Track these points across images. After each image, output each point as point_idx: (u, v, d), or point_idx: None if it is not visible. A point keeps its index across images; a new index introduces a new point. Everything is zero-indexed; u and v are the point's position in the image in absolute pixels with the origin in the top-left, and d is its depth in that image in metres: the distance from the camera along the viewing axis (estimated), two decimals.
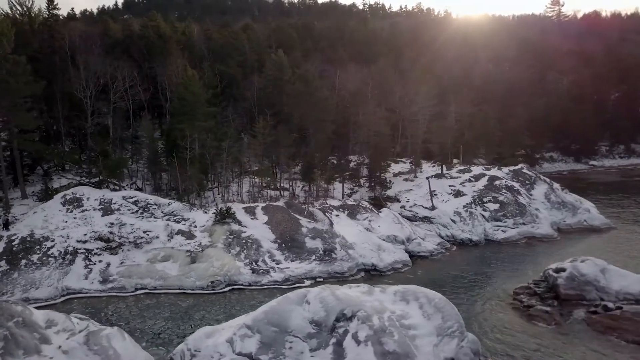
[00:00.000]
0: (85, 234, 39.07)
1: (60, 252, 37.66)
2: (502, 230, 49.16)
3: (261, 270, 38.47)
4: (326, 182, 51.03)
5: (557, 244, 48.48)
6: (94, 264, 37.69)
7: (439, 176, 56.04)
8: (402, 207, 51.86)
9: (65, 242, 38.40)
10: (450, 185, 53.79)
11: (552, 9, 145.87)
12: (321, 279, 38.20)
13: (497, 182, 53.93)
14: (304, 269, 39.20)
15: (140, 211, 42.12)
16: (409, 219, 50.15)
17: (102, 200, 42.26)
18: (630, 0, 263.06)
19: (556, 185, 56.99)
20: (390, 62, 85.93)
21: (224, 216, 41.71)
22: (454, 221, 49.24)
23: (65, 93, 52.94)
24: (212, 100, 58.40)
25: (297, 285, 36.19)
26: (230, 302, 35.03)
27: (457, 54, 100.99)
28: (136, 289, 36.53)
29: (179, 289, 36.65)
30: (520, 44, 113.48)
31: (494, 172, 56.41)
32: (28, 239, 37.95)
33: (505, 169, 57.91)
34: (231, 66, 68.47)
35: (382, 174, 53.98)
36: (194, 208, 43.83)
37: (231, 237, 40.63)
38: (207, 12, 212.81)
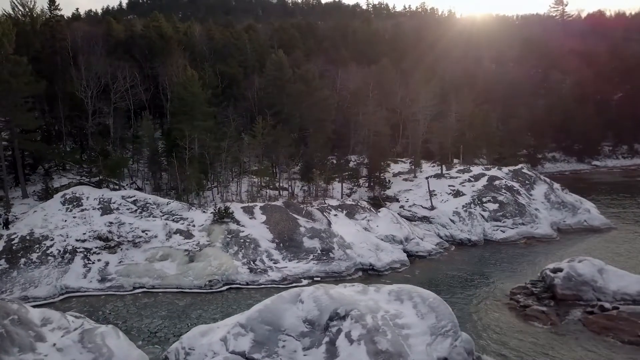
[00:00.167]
0: (85, 233, 39.31)
1: (60, 251, 37.94)
2: (501, 231, 49.10)
3: (259, 270, 38.62)
4: (325, 182, 51.11)
5: (556, 244, 48.37)
6: (93, 263, 37.93)
7: (438, 176, 56.03)
8: (401, 207, 51.90)
9: (65, 241, 38.67)
10: (449, 185, 53.78)
11: (555, 9, 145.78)
12: (319, 279, 38.24)
13: (496, 182, 53.87)
14: (301, 268, 39.32)
15: (139, 210, 42.36)
16: (408, 218, 50.19)
17: (101, 199, 42.53)
18: (635, 0, 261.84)
19: (556, 186, 56.87)
20: (393, 62, 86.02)
21: (223, 216, 41.89)
22: (453, 221, 49.22)
23: (66, 93, 53.31)
24: (212, 100, 58.70)
25: (294, 284, 36.14)
26: (228, 301, 35.18)
27: (460, 54, 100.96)
28: (134, 288, 36.73)
29: (177, 288, 36.84)
30: (524, 44, 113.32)
31: (494, 172, 56.34)
32: (28, 238, 38.27)
33: (505, 169, 57.82)
34: (232, 66, 68.71)
35: (381, 174, 53.99)
36: (192, 207, 44.05)
37: (229, 236, 40.80)
38: (211, 13, 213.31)
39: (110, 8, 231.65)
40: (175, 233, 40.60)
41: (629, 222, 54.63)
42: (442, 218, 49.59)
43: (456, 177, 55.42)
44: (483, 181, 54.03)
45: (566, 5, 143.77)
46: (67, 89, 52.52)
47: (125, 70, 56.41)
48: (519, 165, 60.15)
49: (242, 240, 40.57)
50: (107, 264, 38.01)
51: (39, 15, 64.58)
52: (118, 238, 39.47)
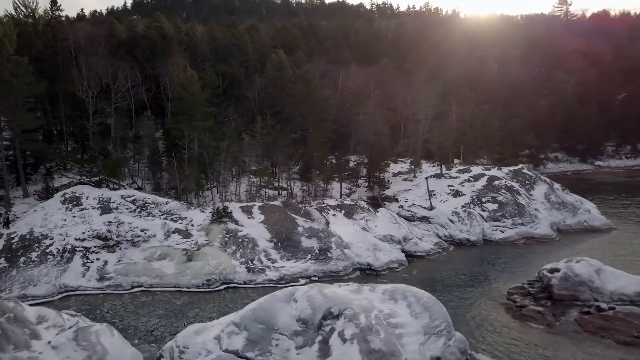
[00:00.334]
0: (84, 232, 39.58)
1: (59, 250, 38.22)
2: (501, 231, 49.07)
3: (256, 269, 38.77)
4: (324, 181, 51.20)
5: (556, 244, 48.31)
6: (92, 262, 38.18)
7: (438, 176, 56.01)
8: (401, 206, 51.93)
9: (64, 240, 38.95)
10: (449, 185, 53.76)
11: (559, 9, 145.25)
12: (316, 278, 38.35)
13: (496, 182, 53.80)
14: (299, 268, 39.45)
15: (138, 210, 42.60)
16: (407, 218, 50.24)
17: (101, 199, 42.80)
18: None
19: (556, 186, 56.74)
20: (395, 62, 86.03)
21: (221, 215, 42.08)
22: (452, 221, 49.22)
23: (68, 93, 53.64)
24: (213, 100, 58.95)
25: (291, 284, 36.20)
26: (225, 300, 35.34)
27: (463, 54, 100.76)
28: (133, 287, 36.99)
29: (175, 287, 37.06)
30: (527, 44, 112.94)
31: (494, 172, 56.28)
32: (27, 237, 38.58)
33: (505, 169, 57.75)
34: (234, 66, 68.94)
35: (381, 174, 54.02)
36: (191, 207, 44.25)
37: (227, 236, 40.99)
38: (214, 13, 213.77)
39: (115, 8, 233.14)
40: (173, 232, 40.81)
41: (630, 223, 54.51)
42: (441, 218, 49.59)
43: (456, 177, 55.39)
44: (483, 181, 53.98)
45: (570, 5, 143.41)
46: (68, 89, 52.86)
47: (126, 70, 56.78)
48: (519, 166, 60.07)
49: (240, 240, 40.74)
50: (105, 263, 38.26)
51: (41, 16, 64.95)
52: (117, 237, 39.71)
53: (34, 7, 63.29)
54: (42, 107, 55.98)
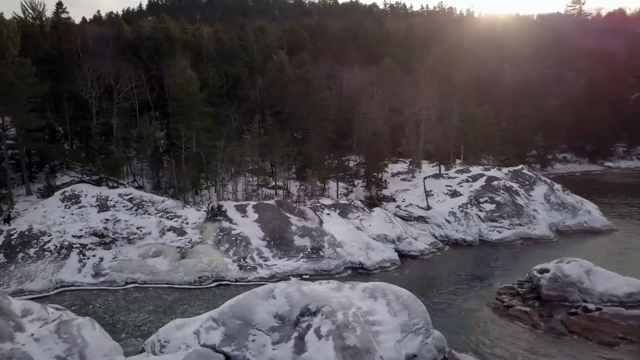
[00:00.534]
0: (81, 230, 40.48)
1: (56, 246, 39.18)
2: (498, 231, 48.87)
3: (248, 267, 39.31)
4: (321, 181, 51.58)
5: (553, 245, 47.95)
6: (88, 258, 39.04)
7: (436, 176, 55.99)
8: (398, 206, 52.06)
9: (62, 237, 39.89)
10: (447, 186, 53.72)
11: (573, 7, 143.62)
12: (307, 276, 38.63)
13: (495, 183, 53.60)
14: (291, 266, 39.86)
15: (135, 208, 43.45)
16: (404, 218, 50.35)
17: (99, 197, 43.73)
18: None
19: (557, 186, 56.30)
20: (403, 63, 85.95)
21: (216, 214, 42.71)
22: (448, 221, 49.21)
23: (72, 93, 54.81)
24: (215, 100, 59.73)
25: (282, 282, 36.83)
26: (215, 297, 35.85)
27: (473, 54, 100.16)
28: (127, 283, 37.72)
29: (168, 283, 37.72)
30: (539, 44, 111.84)
31: (493, 172, 56.07)
32: (26, 233, 39.62)
33: (505, 170, 57.52)
34: (238, 67, 69.65)
35: (379, 174, 54.18)
36: (187, 205, 44.99)
37: (221, 234, 41.60)
38: (228, 14, 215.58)
39: (130, 10, 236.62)
40: (168, 230, 41.55)
41: (632, 224, 53.87)
42: (438, 218, 49.61)
43: (454, 178, 55.31)
44: (481, 181, 53.81)
45: (583, 4, 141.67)
46: (72, 89, 54.02)
47: (130, 71, 57.78)
48: (520, 166, 59.73)
49: (233, 238, 41.32)
50: (101, 259, 39.10)
51: (48, 18, 66.45)
52: (113, 234, 40.56)
53: (41, 10, 64.92)
54: (49, 107, 57.35)
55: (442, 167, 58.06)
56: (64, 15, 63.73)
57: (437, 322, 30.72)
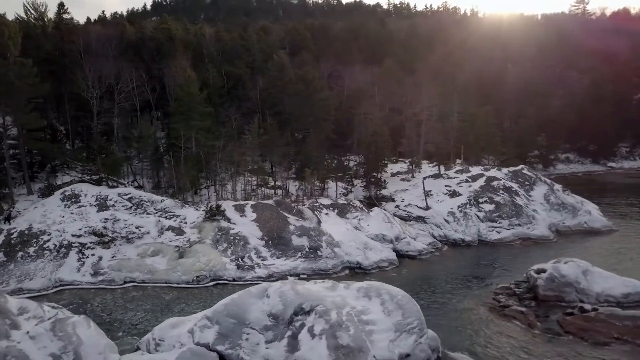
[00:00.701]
0: (80, 229, 40.76)
1: (56, 245, 39.48)
2: (497, 231, 48.82)
3: (246, 266, 39.46)
4: (320, 181, 51.68)
5: (553, 245, 47.88)
6: (87, 257, 39.32)
7: (436, 176, 55.98)
8: (397, 206, 52.09)
9: (61, 236, 40.18)
10: (446, 186, 53.71)
11: (576, 7, 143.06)
12: (305, 276, 38.75)
13: (494, 183, 53.54)
14: (288, 265, 40.00)
15: (134, 207, 43.71)
16: (403, 218, 50.39)
17: (98, 196, 44.01)
18: None
19: (557, 187, 56.17)
20: (405, 63, 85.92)
21: (214, 213, 42.90)
22: (447, 221, 49.20)
23: (73, 94, 55.15)
24: (216, 100, 59.96)
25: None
26: (212, 296, 35.95)
27: (476, 54, 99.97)
28: (125, 282, 37.98)
29: (166, 282, 37.94)
30: (542, 44, 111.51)
31: (493, 172, 56.01)
32: (26, 232, 39.94)
33: (505, 170, 57.46)
34: (239, 67, 69.85)
35: (378, 174, 54.21)
36: (185, 205, 45.20)
37: (219, 233, 41.78)
38: (232, 14, 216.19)
39: (135, 10, 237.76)
40: (167, 230, 41.77)
41: (633, 225, 53.66)
42: (437, 218, 49.61)
43: (454, 178, 55.28)
44: (480, 182, 53.76)
45: (587, 3, 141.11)
46: (73, 89, 54.35)
47: (131, 71, 58.05)
48: (520, 166, 59.58)
49: (231, 238, 41.48)
50: (100, 258, 39.35)
51: (50, 19, 66.90)
52: (112, 234, 40.82)
53: (43, 10, 65.36)
54: (50, 107, 57.74)
55: (442, 167, 58.01)
56: (65, 16, 64.02)
57: (433, 321, 30.86)
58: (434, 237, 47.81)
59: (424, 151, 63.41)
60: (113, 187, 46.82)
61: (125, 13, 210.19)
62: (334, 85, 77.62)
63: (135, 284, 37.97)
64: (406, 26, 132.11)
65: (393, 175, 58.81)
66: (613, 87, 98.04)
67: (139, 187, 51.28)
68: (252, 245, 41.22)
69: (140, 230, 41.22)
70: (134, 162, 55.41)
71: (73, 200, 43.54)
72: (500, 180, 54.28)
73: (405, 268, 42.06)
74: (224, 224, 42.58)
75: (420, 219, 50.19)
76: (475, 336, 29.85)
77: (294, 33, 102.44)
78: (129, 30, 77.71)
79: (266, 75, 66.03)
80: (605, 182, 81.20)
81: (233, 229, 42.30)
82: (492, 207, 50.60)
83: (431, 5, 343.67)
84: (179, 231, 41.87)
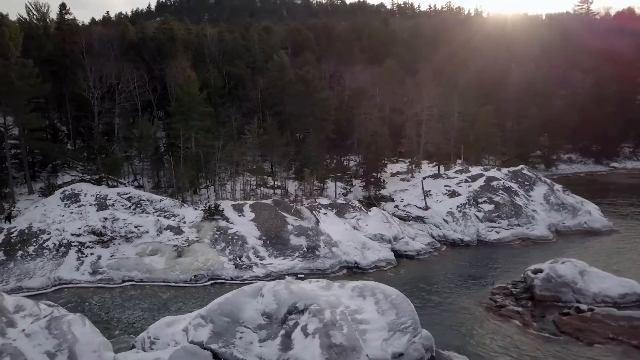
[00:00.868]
0: (80, 228, 41.03)
1: (55, 244, 39.75)
2: (496, 231, 48.78)
3: (244, 266, 39.62)
4: (319, 180, 51.77)
5: (552, 246, 47.81)
6: (86, 256, 39.58)
7: (435, 176, 55.96)
8: (396, 206, 52.12)
9: (61, 235, 40.46)
10: (445, 186, 53.68)
11: (580, 7, 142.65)
12: (302, 275, 38.78)
13: (494, 183, 53.48)
14: (286, 265, 40.14)
15: (133, 207, 43.96)
16: (402, 218, 50.43)
17: (98, 196, 44.27)
18: None
19: (557, 187, 56.05)
20: (407, 63, 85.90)
21: (212, 213, 43.08)
22: (446, 221, 49.20)
23: (75, 94, 55.50)
24: (216, 100, 60.17)
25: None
26: (209, 296, 36.00)
27: (478, 54, 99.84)
28: (123, 281, 38.24)
29: (164, 281, 38.17)
30: (547, 43, 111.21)
31: (493, 172, 55.95)
32: (26, 231, 40.23)
33: (505, 170, 57.42)
34: (240, 67, 70.04)
35: (378, 174, 54.25)
36: (184, 205, 45.41)
37: (218, 233, 41.96)
38: (236, 14, 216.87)
39: (139, 10, 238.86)
40: (166, 229, 41.96)
41: (633, 225, 53.50)
42: (436, 218, 49.61)
43: (453, 178, 55.24)
44: (480, 182, 53.70)
45: (591, 3, 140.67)
46: (74, 90, 54.69)
47: (133, 72, 58.29)
48: (520, 166, 59.46)
49: (230, 237, 41.66)
50: (99, 257, 39.61)
51: (52, 20, 67.40)
52: (111, 233, 41.08)
53: (45, 11, 65.83)
54: (52, 107, 58.13)
55: (442, 167, 57.98)
56: (68, 17, 64.43)
57: (428, 321, 30.94)
58: (433, 237, 47.82)
59: (424, 151, 63.37)
60: (113, 186, 47.10)
61: (129, 13, 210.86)
62: (335, 86, 77.76)
63: (133, 282, 38.20)
64: (409, 26, 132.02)
65: (393, 175, 58.82)
66: (617, 87, 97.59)
67: (139, 187, 51.55)
68: (250, 245, 41.38)
69: (139, 229, 41.45)
70: (134, 162, 55.66)
71: (73, 199, 43.82)
72: (500, 180, 54.22)
73: (403, 268, 42.10)
74: (223, 223, 42.76)
75: (420, 219, 50.21)
76: (470, 336, 29.89)
77: (295, 33, 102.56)
78: (130, 31, 78.04)
79: (266, 75, 66.18)
80: (607, 182, 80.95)
81: (231, 228, 42.48)
82: (491, 207, 50.55)
83: (435, 5, 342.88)
84: (177, 230, 42.07)
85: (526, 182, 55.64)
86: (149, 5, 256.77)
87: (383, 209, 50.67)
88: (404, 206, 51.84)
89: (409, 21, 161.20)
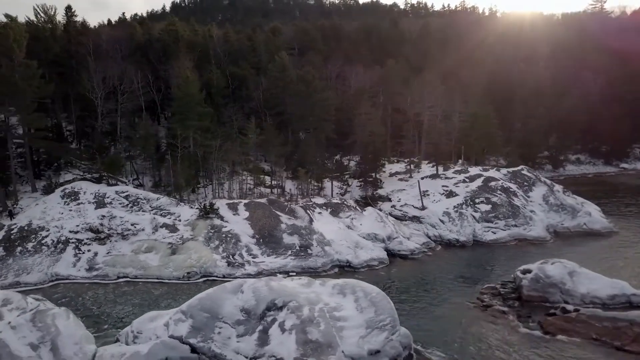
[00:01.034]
0: (78, 225, 41.99)
1: (54, 241, 40.78)
2: (492, 232, 48.63)
3: (236, 264, 40.18)
4: (316, 180, 52.13)
5: (548, 246, 47.49)
6: (83, 253, 40.54)
7: (434, 176, 55.94)
8: (393, 206, 52.24)
9: (59, 232, 41.47)
10: (443, 186, 53.63)
11: (593, 6, 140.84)
12: (294, 274, 39.13)
13: (492, 184, 53.28)
14: (278, 263, 40.60)
15: (130, 205, 44.85)
16: (399, 218, 50.57)
17: (97, 194, 45.25)
18: None
19: (557, 188, 55.59)
20: (413, 63, 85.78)
21: (207, 211, 43.75)
22: (442, 221, 49.18)
23: (80, 94, 56.74)
24: (219, 100, 60.98)
25: None
26: (200, 292, 36.64)
27: (491, 53, 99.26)
28: (118, 277, 39.08)
29: (157, 278, 38.90)
30: (560, 43, 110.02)
31: (491, 173, 55.73)
32: (26, 228, 41.36)
33: (504, 170, 57.15)
34: (244, 68, 70.74)
35: (376, 174, 54.41)
36: (180, 203, 46.16)
37: (212, 231, 42.61)
38: (249, 15, 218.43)
39: (154, 12, 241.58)
40: (161, 227, 42.73)
41: (634, 226, 52.82)
42: (432, 218, 49.62)
43: (451, 178, 55.15)
44: (478, 182, 53.53)
45: (605, 2, 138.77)
46: (79, 90, 55.91)
47: (137, 72, 59.38)
48: (519, 167, 59.09)
49: (224, 235, 42.27)
50: (96, 254, 40.53)
51: (59, 22, 68.99)
52: (108, 230, 41.97)
53: (52, 14, 67.41)
54: (58, 107, 59.46)
55: (440, 168, 57.92)
56: (76, 19, 65.92)
57: (412, 319, 31.26)
58: (429, 237, 47.85)
59: (425, 151, 63.34)
60: (112, 185, 48.06)
61: (145, 15, 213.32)
62: (340, 86, 78.10)
63: (128, 279, 39.02)
64: (419, 26, 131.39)
65: (392, 175, 58.93)
66: (629, 87, 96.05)
67: (140, 186, 52.52)
68: (244, 243, 41.93)
69: (135, 227, 42.28)
70: (137, 161, 56.70)
71: (72, 197, 44.85)
72: (499, 181, 53.99)
73: (396, 267, 42.25)
74: (217, 221, 43.40)
75: (416, 219, 50.27)
76: (453, 334, 29.97)
77: (302, 34, 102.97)
78: (138, 32, 79.29)
79: (269, 75, 66.77)
80: (616, 183, 79.83)
81: (225, 226, 43.09)
82: (488, 207, 50.41)
83: (449, 4, 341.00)
84: (172, 228, 42.83)
85: (525, 183, 55.32)
86: (164, 6, 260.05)
87: (380, 209, 50.90)
88: (401, 206, 51.96)
89: (421, 21, 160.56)
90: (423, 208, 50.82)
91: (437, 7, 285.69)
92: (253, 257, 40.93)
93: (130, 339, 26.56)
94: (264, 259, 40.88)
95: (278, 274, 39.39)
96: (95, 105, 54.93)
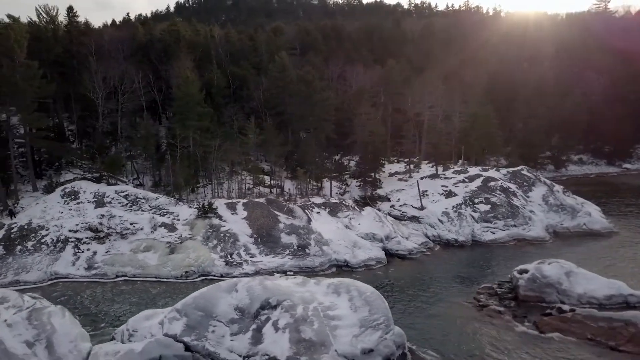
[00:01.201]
0: (77, 224, 42.27)
1: (53, 240, 41.07)
2: (491, 232, 48.57)
3: (234, 263, 40.34)
4: (315, 180, 52.24)
5: (548, 247, 47.37)
6: (82, 252, 40.78)
7: (433, 176, 55.93)
8: (392, 206, 52.25)
9: (59, 231, 41.75)
10: (442, 186, 53.59)
11: (597, 5, 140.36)
12: (292, 273, 39.26)
13: (491, 184, 53.23)
14: (276, 263, 40.72)
15: (129, 204, 45.10)
16: (397, 218, 50.60)
17: (96, 193, 45.53)
18: None
19: (557, 188, 55.47)
20: (414, 62, 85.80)
21: (206, 211, 43.94)
22: (441, 221, 49.16)
23: (81, 94, 57.08)
24: (220, 100, 61.20)
25: None
26: None
27: (494, 53, 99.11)
28: (117, 276, 39.27)
29: (156, 277, 39.07)
30: (563, 42, 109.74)
31: (491, 173, 55.66)
32: (26, 227, 41.66)
33: (504, 170, 57.07)
34: (245, 68, 70.97)
35: (375, 174, 54.47)
36: (179, 203, 46.39)
37: (210, 230, 42.80)
38: (253, 15, 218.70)
39: (159, 12, 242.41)
40: (160, 226, 42.96)
41: (634, 227, 52.65)
42: (431, 218, 49.62)
43: (451, 178, 55.12)
44: (477, 182, 53.48)
45: (608, 2, 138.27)
46: (81, 90, 56.25)
47: (138, 72, 59.68)
48: (519, 167, 59.00)
49: (222, 235, 42.45)
50: (95, 253, 40.77)
51: (61, 23, 69.45)
52: (107, 229, 42.22)
53: (54, 14, 67.87)
54: (60, 107, 59.85)
55: (440, 168, 57.91)
56: (78, 19, 66.40)
57: (407, 319, 31.32)
58: (427, 237, 47.84)
59: (426, 151, 63.35)
60: (112, 184, 48.34)
61: (149, 15, 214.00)
62: (341, 86, 78.20)
63: (126, 278, 39.20)
64: (421, 26, 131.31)
65: (391, 175, 58.97)
66: (632, 87, 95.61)
67: (140, 185, 52.81)
68: (242, 243, 42.09)
69: (134, 226, 42.52)
70: (137, 161, 56.99)
71: (72, 197, 45.15)
72: (498, 180, 53.93)
73: (393, 267, 42.28)
74: (215, 221, 43.59)
75: (415, 219, 50.27)
76: (447, 334, 30.01)
77: (304, 34, 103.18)
78: (140, 33, 79.61)
79: (269, 75, 66.96)
80: (617, 183, 79.51)
81: (224, 226, 43.27)
82: (487, 207, 50.36)
83: (452, 4, 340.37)
84: (171, 228, 43.05)
85: (525, 183, 55.23)
86: (168, 6, 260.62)
87: (378, 209, 50.95)
88: (400, 206, 51.98)
89: (424, 21, 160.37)
90: (422, 208, 50.84)
91: (441, 7, 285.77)
92: (251, 257, 41.08)
93: (126, 337, 26.74)
94: (261, 259, 41.01)
95: (275, 274, 39.69)
96: (96, 105, 55.29)
